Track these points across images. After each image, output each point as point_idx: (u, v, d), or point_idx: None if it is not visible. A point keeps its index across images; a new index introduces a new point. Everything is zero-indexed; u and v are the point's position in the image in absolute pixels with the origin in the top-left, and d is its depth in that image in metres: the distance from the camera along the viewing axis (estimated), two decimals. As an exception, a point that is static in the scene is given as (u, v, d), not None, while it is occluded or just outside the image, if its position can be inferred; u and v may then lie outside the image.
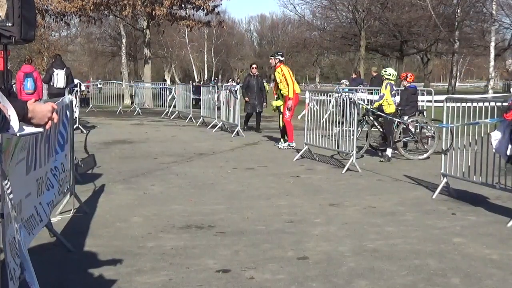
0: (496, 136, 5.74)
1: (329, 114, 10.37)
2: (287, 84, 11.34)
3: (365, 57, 37.01)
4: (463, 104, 6.94)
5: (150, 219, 5.70)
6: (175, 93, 20.40)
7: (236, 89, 14.71)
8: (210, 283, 3.94)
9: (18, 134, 2.19)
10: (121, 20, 31.92)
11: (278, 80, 11.55)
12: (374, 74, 18.83)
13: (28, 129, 2.23)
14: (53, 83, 13.51)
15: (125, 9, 25.83)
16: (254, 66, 15.49)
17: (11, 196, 2.53)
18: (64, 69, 13.71)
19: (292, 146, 11.21)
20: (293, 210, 6.14)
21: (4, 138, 2.68)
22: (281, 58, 11.61)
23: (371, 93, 14.70)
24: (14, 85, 12.30)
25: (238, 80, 57.59)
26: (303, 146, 10.13)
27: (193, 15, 28.49)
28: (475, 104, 7.08)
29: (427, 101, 13.42)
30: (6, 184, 2.52)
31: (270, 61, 11.86)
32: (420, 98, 12.10)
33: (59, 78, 13.44)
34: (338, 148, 9.58)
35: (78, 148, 9.13)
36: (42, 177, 4.18)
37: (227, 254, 4.61)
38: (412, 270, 4.23)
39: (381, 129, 10.25)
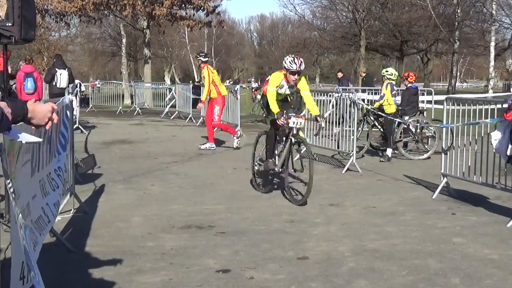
0: (496, 136, 5.74)
1: (329, 114, 10.37)
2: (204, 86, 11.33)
3: (365, 57, 37.00)
4: (463, 107, 6.93)
5: (150, 219, 5.70)
6: (175, 93, 20.39)
7: (236, 89, 14.66)
8: (210, 283, 3.94)
9: (22, 142, 2.17)
10: (121, 20, 31.91)
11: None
12: (363, 74, 19.21)
13: (28, 138, 2.22)
14: (55, 83, 13.51)
15: (125, 9, 25.78)
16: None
17: (13, 195, 2.53)
18: (66, 69, 13.72)
19: (213, 148, 11.11)
20: (293, 210, 6.15)
21: (7, 139, 2.66)
22: (203, 59, 11.43)
23: (370, 93, 14.70)
24: (13, 85, 12.28)
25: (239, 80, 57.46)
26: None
27: (194, 15, 28.46)
28: (475, 107, 7.09)
29: (427, 101, 13.42)
30: (11, 188, 2.50)
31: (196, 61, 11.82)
32: (420, 98, 12.09)
33: (62, 78, 13.43)
34: (338, 148, 9.58)
35: (78, 148, 9.12)
36: (44, 178, 4.17)
37: (227, 254, 4.61)
38: (412, 270, 4.23)
39: (381, 129, 10.26)
